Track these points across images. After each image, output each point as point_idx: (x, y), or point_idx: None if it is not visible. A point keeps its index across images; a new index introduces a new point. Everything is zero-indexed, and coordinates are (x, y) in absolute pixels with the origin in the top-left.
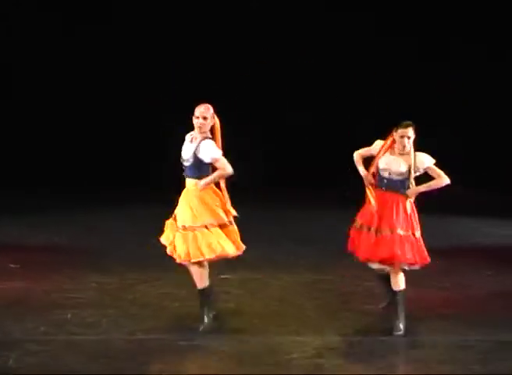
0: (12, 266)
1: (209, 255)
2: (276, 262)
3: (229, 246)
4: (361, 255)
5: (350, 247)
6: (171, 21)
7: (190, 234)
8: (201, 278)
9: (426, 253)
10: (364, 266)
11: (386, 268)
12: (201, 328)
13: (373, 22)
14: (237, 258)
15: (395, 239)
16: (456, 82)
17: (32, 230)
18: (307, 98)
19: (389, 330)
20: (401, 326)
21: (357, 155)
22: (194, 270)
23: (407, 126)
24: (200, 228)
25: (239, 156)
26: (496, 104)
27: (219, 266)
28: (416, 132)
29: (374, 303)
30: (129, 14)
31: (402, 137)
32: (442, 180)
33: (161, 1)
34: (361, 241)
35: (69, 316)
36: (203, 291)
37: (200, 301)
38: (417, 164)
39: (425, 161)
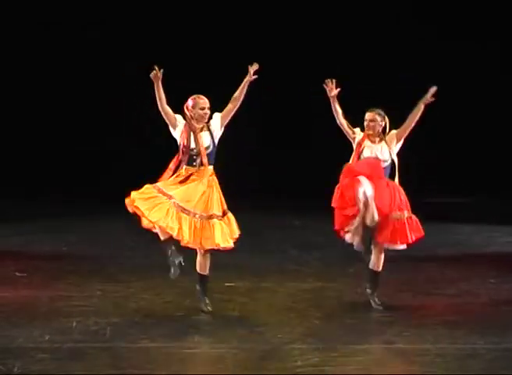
0: (18, 274)
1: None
2: (281, 269)
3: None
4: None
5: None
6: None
7: (220, 221)
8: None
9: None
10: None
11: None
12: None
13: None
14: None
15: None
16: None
17: (36, 238)
18: (313, 107)
19: (396, 337)
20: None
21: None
22: (208, 257)
23: (371, 111)
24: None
25: (241, 163)
26: (500, 110)
27: (224, 273)
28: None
29: (379, 311)
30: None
31: (368, 121)
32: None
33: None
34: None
35: (74, 323)
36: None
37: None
38: (392, 143)
39: (392, 131)
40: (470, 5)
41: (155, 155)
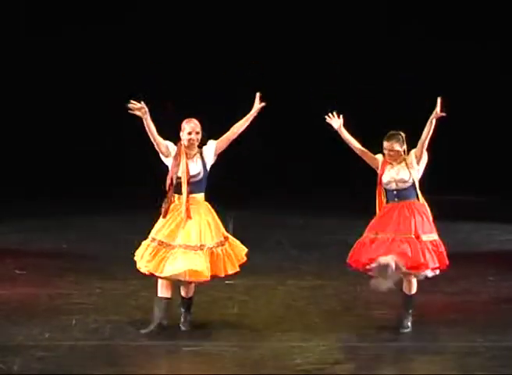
0: (18, 272)
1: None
2: (280, 267)
3: None
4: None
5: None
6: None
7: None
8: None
9: (445, 256)
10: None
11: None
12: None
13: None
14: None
15: (421, 246)
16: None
17: (36, 235)
18: (317, 107)
19: (395, 335)
20: (409, 324)
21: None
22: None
23: (389, 139)
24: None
25: (239, 162)
26: (500, 110)
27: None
28: (407, 138)
29: (378, 308)
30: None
31: (387, 150)
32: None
33: None
34: (378, 247)
35: (73, 321)
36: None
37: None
38: (412, 163)
39: (412, 151)
40: (470, 5)
41: (155, 155)
